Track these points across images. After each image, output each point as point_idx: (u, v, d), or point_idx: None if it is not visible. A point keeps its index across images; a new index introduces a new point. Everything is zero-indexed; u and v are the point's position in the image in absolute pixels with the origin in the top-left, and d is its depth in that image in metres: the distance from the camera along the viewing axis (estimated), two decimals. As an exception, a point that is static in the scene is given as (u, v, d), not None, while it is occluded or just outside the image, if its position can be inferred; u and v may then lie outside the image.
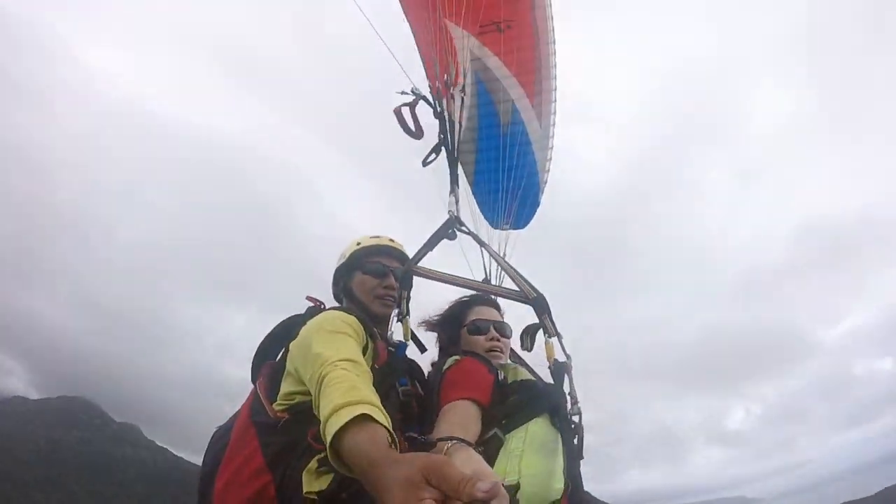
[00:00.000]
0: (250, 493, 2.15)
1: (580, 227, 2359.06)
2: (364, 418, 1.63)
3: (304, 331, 2.41)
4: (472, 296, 3.26)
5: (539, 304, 2.82)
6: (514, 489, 2.11)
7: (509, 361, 3.07)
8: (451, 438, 1.78)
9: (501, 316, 3.23)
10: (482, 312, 3.12)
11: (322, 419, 1.74)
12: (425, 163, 3.95)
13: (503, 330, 3.08)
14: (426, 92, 3.95)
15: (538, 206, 5.12)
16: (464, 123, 4.31)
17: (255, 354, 2.76)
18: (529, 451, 2.30)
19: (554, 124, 5.03)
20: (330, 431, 1.65)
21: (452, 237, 3.66)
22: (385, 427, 1.66)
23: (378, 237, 3.25)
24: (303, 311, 2.76)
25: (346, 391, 1.79)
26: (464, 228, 3.47)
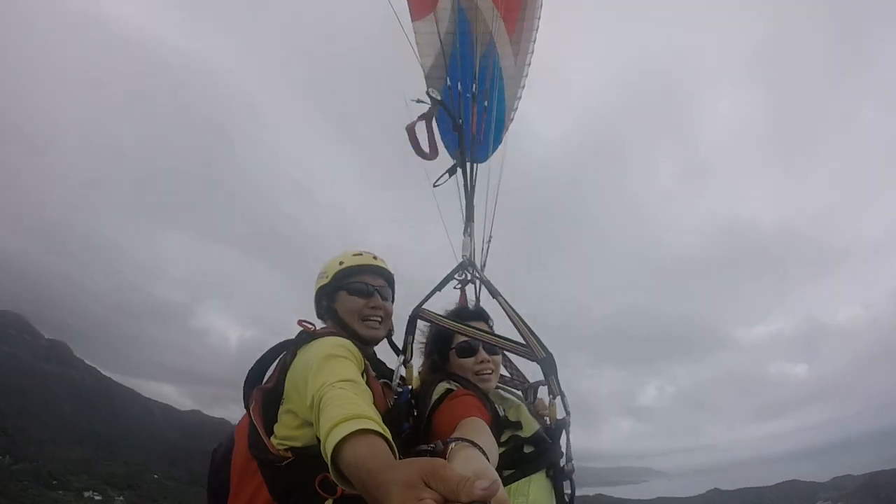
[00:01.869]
0: None
1: (526, 188, 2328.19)
2: (362, 432, 1.62)
3: (301, 359, 2.40)
4: (458, 312, 3.09)
5: (547, 363, 2.63)
6: None
7: (503, 394, 3.03)
8: (456, 439, 1.75)
9: (490, 328, 3.07)
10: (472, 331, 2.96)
11: (322, 437, 1.73)
12: (437, 185, 3.81)
13: (492, 349, 2.91)
14: (442, 94, 3.72)
15: (500, 143, 4.95)
16: (438, 49, 4.19)
17: (245, 381, 2.67)
18: None
19: (529, 64, 4.87)
20: (329, 447, 1.64)
21: (465, 283, 3.58)
22: (384, 437, 1.64)
23: (361, 254, 3.06)
24: (294, 336, 2.67)
25: (343, 407, 1.79)
26: (476, 274, 3.37)
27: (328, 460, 1.66)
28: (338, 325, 2.90)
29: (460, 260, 3.68)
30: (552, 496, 2.54)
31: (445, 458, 1.72)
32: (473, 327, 2.88)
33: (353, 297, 2.93)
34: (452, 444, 1.73)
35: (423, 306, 3.07)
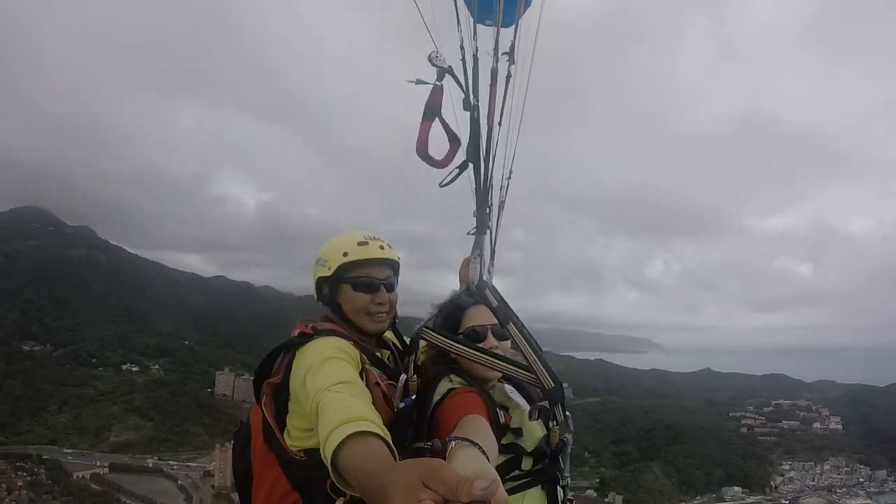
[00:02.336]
0: None
1: (549, 47, 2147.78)
2: (360, 434, 1.65)
3: (300, 362, 2.42)
4: (465, 294, 2.96)
5: (555, 394, 2.53)
6: None
7: (509, 393, 2.89)
8: (456, 439, 1.66)
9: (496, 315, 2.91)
10: (478, 317, 2.84)
11: (321, 442, 1.76)
12: (444, 184, 3.08)
13: (501, 334, 2.82)
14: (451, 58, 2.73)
15: (529, 6, 3.54)
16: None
17: (254, 379, 2.73)
18: None
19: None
20: (328, 451, 1.66)
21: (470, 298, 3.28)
22: (383, 439, 1.68)
23: (367, 244, 2.79)
24: (296, 335, 2.67)
25: (340, 411, 1.82)
26: (489, 294, 2.82)
27: (328, 464, 1.67)
28: (341, 319, 2.80)
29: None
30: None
31: (445, 457, 1.62)
32: (479, 308, 2.86)
33: (358, 293, 2.76)
34: (452, 444, 1.65)
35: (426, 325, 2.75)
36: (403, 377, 2.62)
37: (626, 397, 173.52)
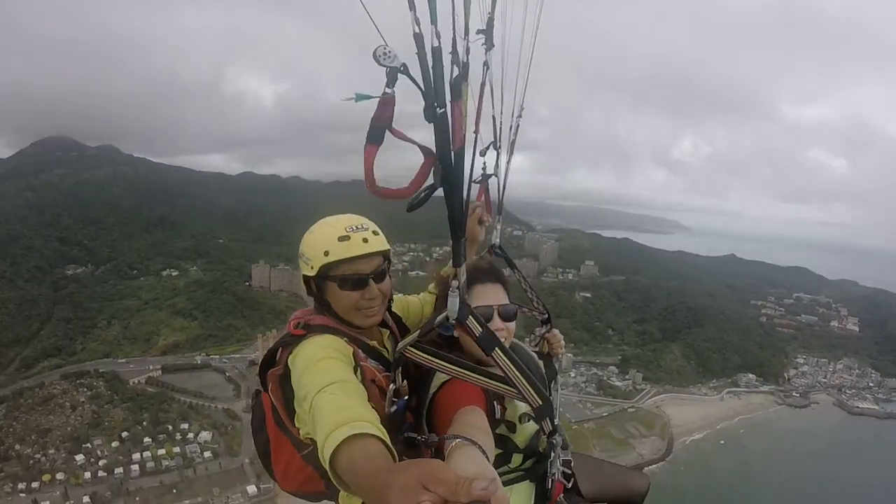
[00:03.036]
0: (302, 479, 2.66)
1: None
2: (357, 436, 1.66)
3: (294, 367, 2.39)
4: (473, 268, 2.76)
5: (542, 411, 2.34)
6: None
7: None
8: (454, 437, 1.70)
9: (506, 288, 2.85)
10: (483, 296, 2.74)
11: (319, 445, 1.79)
12: (411, 208, 2.23)
13: (508, 314, 2.76)
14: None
15: None
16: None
17: (259, 370, 2.71)
18: None
19: None
20: (326, 456, 1.69)
21: (486, 178, 3.41)
22: (381, 439, 1.70)
23: (348, 239, 2.57)
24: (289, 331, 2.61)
25: (336, 413, 1.84)
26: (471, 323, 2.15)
27: (326, 468, 1.68)
28: (332, 316, 2.68)
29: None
30: (531, 498, 2.68)
31: (444, 454, 1.70)
32: (487, 286, 2.76)
33: (345, 291, 2.60)
34: (452, 443, 1.68)
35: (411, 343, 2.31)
36: (392, 387, 2.51)
37: (650, 277, 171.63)
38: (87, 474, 79.46)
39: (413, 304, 3.38)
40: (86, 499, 74.19)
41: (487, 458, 1.67)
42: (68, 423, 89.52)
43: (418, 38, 1.72)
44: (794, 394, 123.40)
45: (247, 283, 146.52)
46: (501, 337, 2.59)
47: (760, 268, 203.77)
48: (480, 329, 2.19)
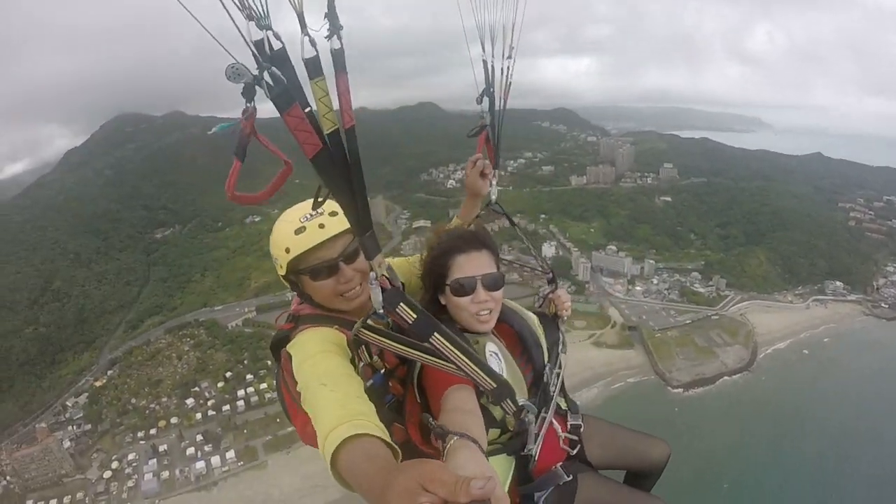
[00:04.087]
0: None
1: None
2: (356, 437, 1.67)
3: (294, 361, 2.39)
4: (456, 236, 2.75)
5: (497, 395, 2.28)
6: None
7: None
8: (454, 434, 1.72)
9: (493, 253, 2.76)
10: (467, 265, 2.65)
11: (319, 445, 1.81)
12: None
13: (493, 283, 2.67)
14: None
15: None
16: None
17: (271, 349, 2.77)
18: None
19: None
20: (326, 457, 1.70)
21: (482, 128, 3.37)
22: (379, 437, 1.71)
23: (304, 230, 2.58)
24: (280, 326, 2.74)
25: (332, 412, 1.84)
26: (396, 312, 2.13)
27: (327, 466, 1.70)
28: (317, 307, 2.71)
29: None
30: (511, 469, 2.65)
31: (443, 451, 1.70)
32: (470, 254, 2.68)
33: (319, 281, 2.64)
34: (451, 441, 1.69)
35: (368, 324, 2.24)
36: (360, 364, 2.50)
37: (732, 178, 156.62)
38: (199, 415, 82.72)
39: (402, 267, 3.19)
40: (199, 437, 77.77)
41: (483, 451, 1.67)
42: (176, 372, 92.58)
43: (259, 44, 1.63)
44: (882, 304, 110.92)
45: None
46: (487, 308, 2.64)
47: (848, 167, 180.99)
48: (414, 315, 2.06)
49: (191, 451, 75.44)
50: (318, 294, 2.65)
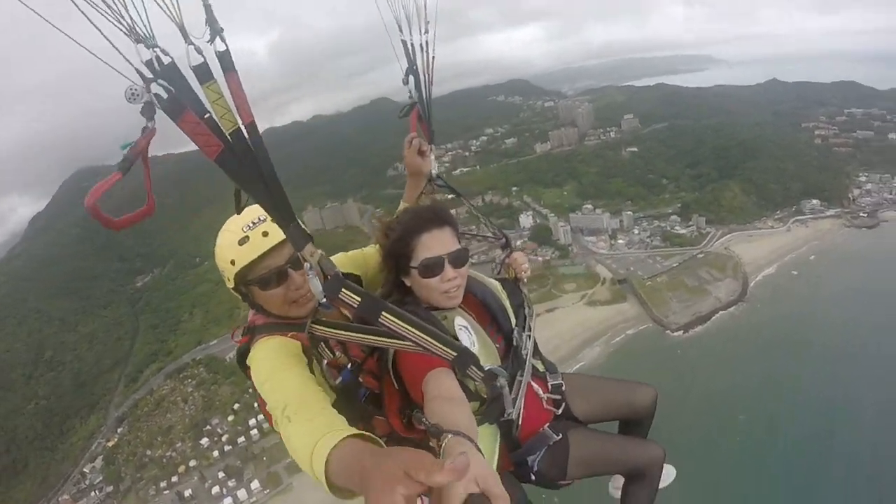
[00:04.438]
0: None
1: None
2: (335, 448, 1.66)
3: (254, 378, 2.38)
4: (415, 216, 2.69)
5: (459, 363, 2.20)
6: None
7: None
8: (447, 432, 1.69)
9: (454, 228, 2.70)
10: (432, 244, 2.59)
11: (310, 473, 1.78)
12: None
13: (459, 260, 2.63)
14: None
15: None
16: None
17: (238, 362, 2.74)
18: None
19: None
20: (321, 483, 1.68)
21: (411, 107, 3.44)
22: (359, 435, 1.71)
23: (247, 240, 2.53)
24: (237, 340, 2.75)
25: (306, 441, 1.81)
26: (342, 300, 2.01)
27: (325, 488, 1.68)
28: (270, 317, 2.66)
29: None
30: (496, 438, 2.66)
31: (439, 450, 1.67)
32: (433, 233, 2.61)
33: (268, 290, 2.59)
34: (446, 439, 1.67)
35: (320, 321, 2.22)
36: (324, 363, 2.51)
37: (693, 118, 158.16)
38: (216, 452, 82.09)
39: (356, 259, 3.18)
40: (220, 474, 77.23)
41: (478, 446, 1.67)
42: (185, 415, 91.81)
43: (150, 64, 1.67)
44: (861, 214, 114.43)
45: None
46: (455, 285, 2.61)
47: (805, 88, 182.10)
48: (359, 298, 1.99)
49: (216, 489, 75.00)
50: (269, 303, 2.62)
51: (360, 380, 2.53)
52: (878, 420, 61.31)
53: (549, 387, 3.06)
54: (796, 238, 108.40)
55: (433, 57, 3.27)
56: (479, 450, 1.65)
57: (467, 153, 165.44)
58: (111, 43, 1.54)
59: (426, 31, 3.18)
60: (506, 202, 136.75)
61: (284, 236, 2.26)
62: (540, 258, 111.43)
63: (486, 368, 2.37)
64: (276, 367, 2.28)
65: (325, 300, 2.01)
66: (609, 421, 3.36)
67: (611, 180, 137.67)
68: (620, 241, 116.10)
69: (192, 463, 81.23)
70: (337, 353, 2.46)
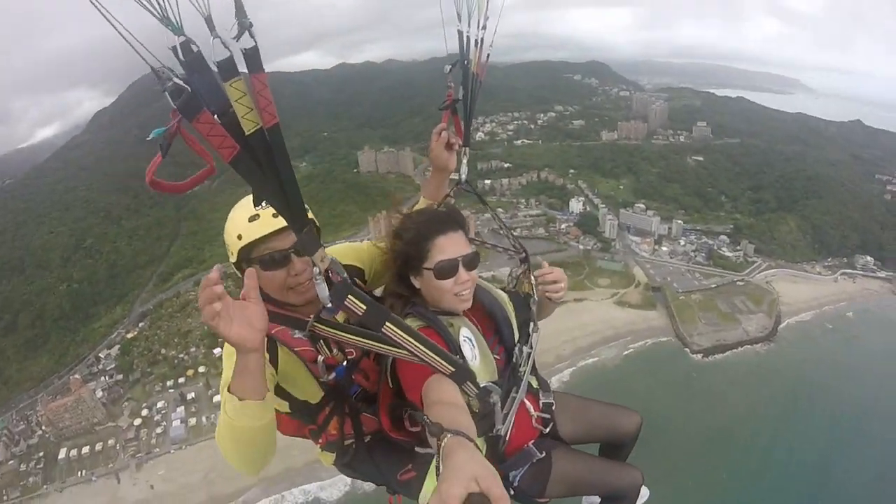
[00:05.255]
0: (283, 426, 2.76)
1: None
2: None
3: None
4: (431, 217, 2.69)
5: (457, 378, 2.25)
6: None
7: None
8: (448, 431, 1.66)
9: (465, 231, 2.70)
10: (447, 247, 2.58)
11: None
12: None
13: (472, 263, 2.64)
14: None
15: None
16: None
17: None
18: None
19: None
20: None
21: (453, 104, 3.22)
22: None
23: (257, 218, 2.52)
24: None
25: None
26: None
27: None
28: (269, 301, 2.49)
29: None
30: (482, 451, 2.58)
31: (438, 449, 1.65)
32: (449, 236, 2.60)
33: (269, 272, 2.54)
34: (446, 438, 1.64)
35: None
36: (320, 359, 2.56)
37: (767, 141, 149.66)
38: None
39: (360, 253, 3.08)
40: None
41: (478, 447, 1.68)
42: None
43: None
44: None
45: (355, 171, 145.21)
46: (467, 287, 2.60)
47: (890, 138, 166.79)
48: (364, 307, 2.01)
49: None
50: (268, 285, 2.53)
51: (353, 377, 2.61)
52: (873, 488, 58.79)
53: (541, 405, 3.03)
54: (841, 291, 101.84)
55: (488, 56, 3.07)
56: (479, 449, 1.64)
57: (533, 125, 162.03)
58: (130, 34, 1.40)
59: (483, 27, 2.96)
60: (560, 183, 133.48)
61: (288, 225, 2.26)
62: (581, 246, 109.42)
63: (481, 386, 2.38)
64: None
65: (330, 305, 2.01)
66: (592, 443, 3.34)
67: (669, 184, 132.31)
68: (664, 249, 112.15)
69: (202, 369, 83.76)
70: (334, 351, 2.55)
